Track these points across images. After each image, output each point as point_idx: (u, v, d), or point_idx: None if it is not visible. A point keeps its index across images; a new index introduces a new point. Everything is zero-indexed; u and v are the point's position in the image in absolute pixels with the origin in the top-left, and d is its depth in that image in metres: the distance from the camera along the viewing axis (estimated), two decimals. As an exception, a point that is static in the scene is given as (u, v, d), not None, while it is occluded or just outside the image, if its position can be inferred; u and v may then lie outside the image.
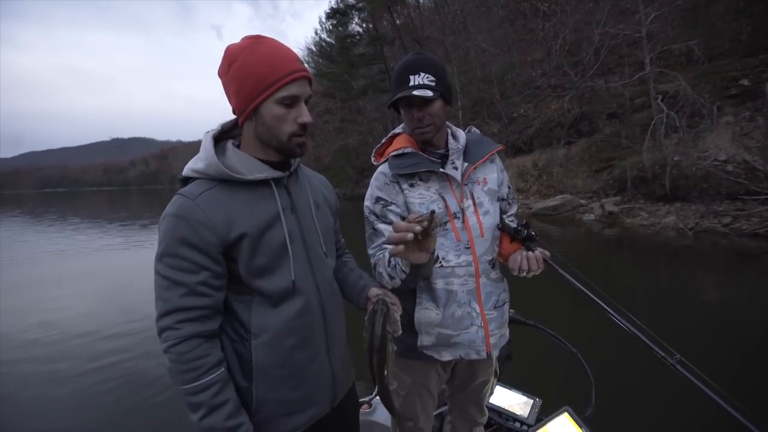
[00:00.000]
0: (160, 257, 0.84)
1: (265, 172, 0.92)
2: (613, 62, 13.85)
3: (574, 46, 15.10)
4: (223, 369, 0.86)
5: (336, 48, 25.68)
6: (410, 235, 0.87)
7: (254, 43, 0.87)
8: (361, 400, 1.81)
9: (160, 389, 3.23)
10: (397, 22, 23.00)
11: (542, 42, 16.71)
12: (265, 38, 0.88)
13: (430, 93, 1.14)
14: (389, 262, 1.06)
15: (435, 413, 1.77)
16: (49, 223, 18.62)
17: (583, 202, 11.76)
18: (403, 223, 0.88)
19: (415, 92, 1.14)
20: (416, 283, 1.21)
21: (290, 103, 0.87)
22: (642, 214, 9.79)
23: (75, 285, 6.95)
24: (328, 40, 28.75)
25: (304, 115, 0.90)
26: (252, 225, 0.88)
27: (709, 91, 10.08)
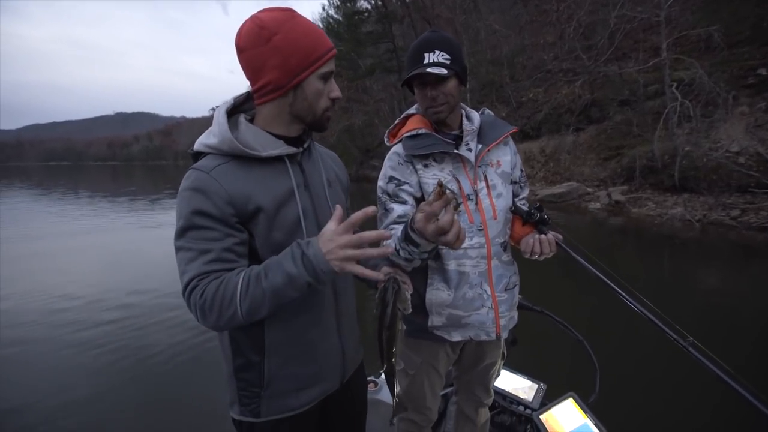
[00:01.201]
0: (182, 232, 0.81)
1: (280, 149, 0.90)
2: (627, 47, 13.49)
3: (588, 29, 14.66)
4: (247, 269, 0.81)
5: (344, 25, 25.19)
6: (458, 227, 0.82)
7: (292, 16, 0.85)
8: (368, 378, 1.83)
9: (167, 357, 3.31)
10: (407, -1, 22.43)
11: (555, 24, 16.23)
12: (298, 14, 0.87)
13: (444, 71, 1.12)
14: (398, 251, 1.02)
15: (440, 393, 1.78)
16: (59, 195, 18.76)
17: (589, 190, 11.66)
18: (446, 220, 0.80)
19: (429, 69, 1.12)
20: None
21: (327, 78, 0.89)
22: (649, 204, 9.70)
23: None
24: (336, 16, 28.15)
25: (336, 89, 0.91)
26: (268, 200, 0.86)
27: (725, 80, 9.83)
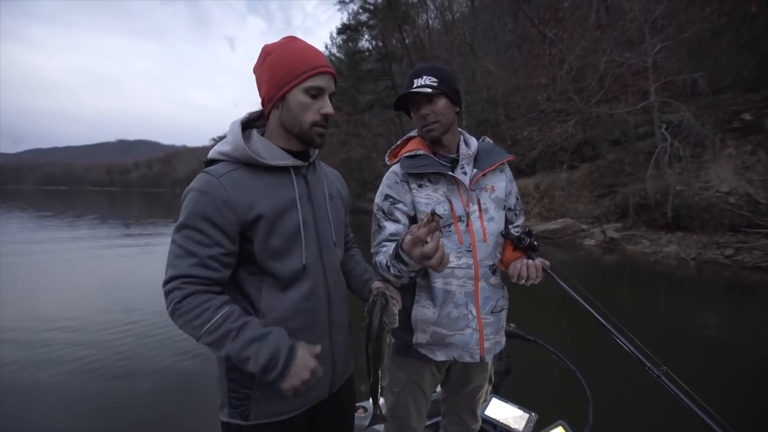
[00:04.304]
0: (180, 228, 0.88)
1: (286, 160, 0.97)
2: (617, 90, 14.03)
3: (579, 72, 15.32)
4: (231, 305, 0.88)
5: (345, 62, 26.13)
6: (441, 253, 0.90)
7: (289, 41, 0.96)
8: (357, 405, 1.78)
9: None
10: (407, 41, 23.45)
11: (548, 67, 16.98)
12: (299, 39, 0.98)
13: (429, 90, 1.20)
14: (389, 267, 1.09)
15: (430, 423, 1.73)
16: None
17: (584, 226, 11.74)
18: (431, 247, 0.89)
19: (414, 89, 1.22)
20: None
21: (315, 93, 0.94)
22: (643, 241, 9.76)
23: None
24: (338, 54, 29.25)
25: (327, 106, 0.96)
26: (269, 207, 0.92)
27: (711, 123, 10.18)
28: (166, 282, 0.86)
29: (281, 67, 0.92)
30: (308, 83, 0.92)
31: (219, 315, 0.84)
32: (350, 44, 25.65)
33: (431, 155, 1.28)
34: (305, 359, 0.88)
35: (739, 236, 8.29)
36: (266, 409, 0.95)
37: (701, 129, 9.90)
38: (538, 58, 18.00)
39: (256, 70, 0.97)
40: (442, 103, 1.24)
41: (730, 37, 11.39)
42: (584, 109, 13.94)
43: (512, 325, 1.78)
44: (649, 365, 1.01)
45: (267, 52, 0.94)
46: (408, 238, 0.93)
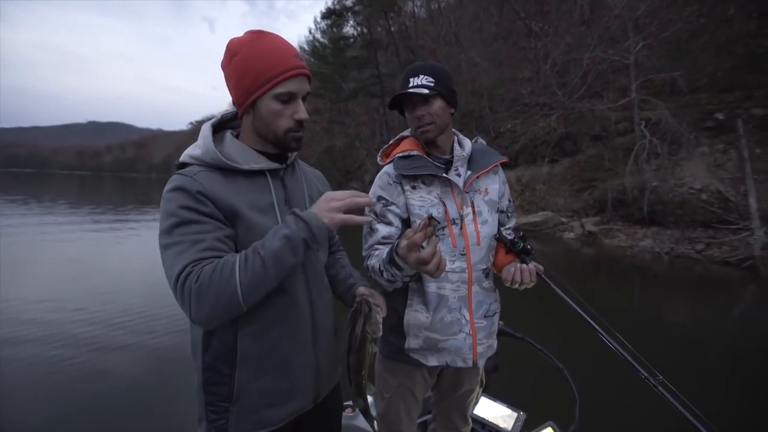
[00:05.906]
0: (171, 229, 0.80)
1: (261, 163, 0.92)
2: (599, 86, 14.26)
3: (563, 67, 15.49)
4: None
5: (329, 49, 25.63)
6: (438, 258, 0.88)
7: (257, 37, 0.88)
8: (345, 403, 1.76)
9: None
10: (392, 28, 23.13)
11: (532, 61, 17.07)
12: (268, 33, 0.90)
13: (426, 91, 1.17)
14: (382, 272, 1.06)
15: (419, 421, 1.73)
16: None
17: (563, 220, 12.00)
18: (428, 252, 0.86)
19: (411, 90, 1.18)
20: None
21: (287, 99, 0.89)
22: (620, 235, 10.06)
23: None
24: (322, 40, 28.67)
25: (301, 111, 0.91)
26: (247, 210, 0.87)
27: (687, 122, 10.50)
28: (176, 279, 0.77)
29: (248, 72, 0.86)
30: (278, 89, 0.87)
31: (239, 255, 0.79)
32: (335, 30, 25.10)
33: (425, 156, 1.25)
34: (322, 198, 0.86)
35: (709, 232, 8.64)
36: (246, 422, 0.90)
37: (678, 127, 10.19)
38: (523, 51, 18.08)
39: (224, 68, 0.91)
40: (438, 104, 1.20)
41: (707, 38, 11.68)
42: (567, 104, 14.13)
43: (501, 322, 1.79)
44: (645, 375, 1.01)
45: (233, 51, 0.87)
46: (403, 243, 0.90)
